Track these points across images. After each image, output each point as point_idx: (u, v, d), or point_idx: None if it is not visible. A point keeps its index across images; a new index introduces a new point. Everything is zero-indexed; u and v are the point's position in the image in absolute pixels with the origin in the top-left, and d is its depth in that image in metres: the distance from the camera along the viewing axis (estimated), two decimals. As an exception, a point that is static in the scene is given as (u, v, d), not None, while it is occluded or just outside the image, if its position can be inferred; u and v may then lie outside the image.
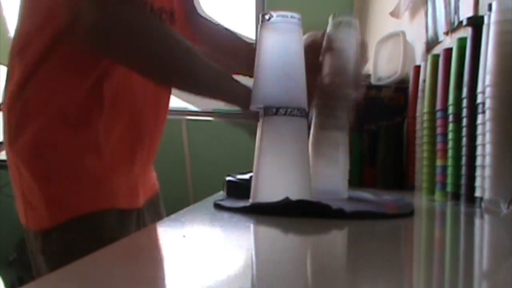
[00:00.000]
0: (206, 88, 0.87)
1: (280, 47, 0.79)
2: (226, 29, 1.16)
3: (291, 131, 0.79)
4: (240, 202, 0.79)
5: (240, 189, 0.90)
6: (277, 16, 0.79)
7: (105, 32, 0.78)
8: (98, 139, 0.89)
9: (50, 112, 0.87)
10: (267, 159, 0.78)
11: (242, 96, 0.84)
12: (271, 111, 0.77)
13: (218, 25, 1.16)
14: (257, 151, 0.79)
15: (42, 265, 0.88)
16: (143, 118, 0.97)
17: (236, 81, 0.87)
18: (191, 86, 0.87)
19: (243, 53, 1.09)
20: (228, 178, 0.94)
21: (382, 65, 1.84)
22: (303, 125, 0.79)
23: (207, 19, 1.16)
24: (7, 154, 0.91)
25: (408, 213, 0.78)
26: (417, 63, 1.63)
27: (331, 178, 0.93)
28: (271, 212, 0.72)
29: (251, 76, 0.86)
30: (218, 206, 0.79)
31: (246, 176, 0.96)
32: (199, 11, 1.15)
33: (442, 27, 1.50)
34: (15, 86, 0.88)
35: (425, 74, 1.25)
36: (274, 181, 0.77)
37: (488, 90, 0.89)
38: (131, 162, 0.96)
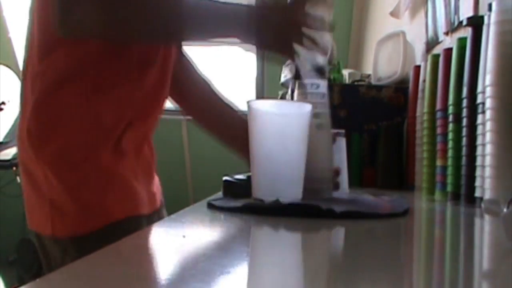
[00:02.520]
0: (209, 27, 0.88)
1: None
2: (215, 93, 1.14)
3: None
4: (232, 202, 0.79)
5: (236, 189, 0.90)
6: None
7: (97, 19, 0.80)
8: (127, 148, 0.90)
9: (84, 120, 0.86)
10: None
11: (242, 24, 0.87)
12: None
13: (209, 90, 1.14)
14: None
15: None
16: (155, 123, 0.99)
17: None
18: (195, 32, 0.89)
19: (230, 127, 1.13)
20: (224, 178, 0.94)
21: (382, 65, 1.84)
22: None
23: (201, 81, 1.13)
24: (25, 160, 0.89)
25: (401, 213, 0.77)
26: (417, 63, 1.62)
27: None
28: (261, 212, 0.72)
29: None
30: (210, 206, 0.79)
31: (244, 176, 0.96)
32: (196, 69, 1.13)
33: (442, 27, 1.50)
34: (41, 94, 0.86)
35: (425, 74, 1.25)
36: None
37: (488, 90, 0.89)
38: (150, 169, 0.99)
